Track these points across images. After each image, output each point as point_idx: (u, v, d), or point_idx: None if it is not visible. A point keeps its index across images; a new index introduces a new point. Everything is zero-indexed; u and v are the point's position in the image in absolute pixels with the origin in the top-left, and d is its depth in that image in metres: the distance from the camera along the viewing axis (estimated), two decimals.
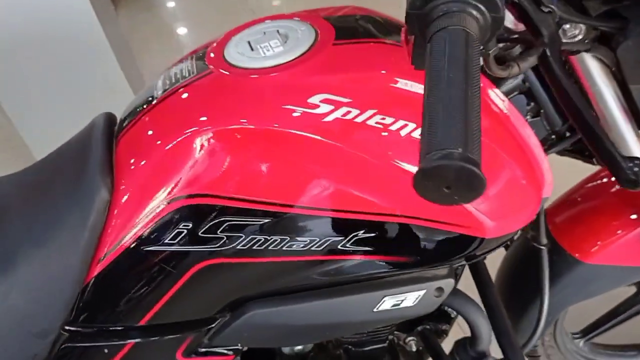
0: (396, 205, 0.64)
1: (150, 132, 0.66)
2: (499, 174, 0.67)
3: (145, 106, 0.69)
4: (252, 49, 0.67)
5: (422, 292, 0.76)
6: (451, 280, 0.77)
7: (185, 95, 0.66)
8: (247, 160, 0.62)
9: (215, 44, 0.71)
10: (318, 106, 0.60)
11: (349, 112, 0.60)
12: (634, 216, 0.91)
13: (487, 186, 0.65)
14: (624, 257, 0.92)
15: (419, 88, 0.62)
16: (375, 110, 0.60)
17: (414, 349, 0.99)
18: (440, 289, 0.77)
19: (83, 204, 0.64)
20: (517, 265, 1.00)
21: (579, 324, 1.26)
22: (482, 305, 0.90)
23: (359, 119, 0.60)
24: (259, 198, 0.63)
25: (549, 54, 0.61)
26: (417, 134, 0.61)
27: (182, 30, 3.55)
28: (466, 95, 0.38)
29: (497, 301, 0.81)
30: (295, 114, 0.60)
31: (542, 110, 0.76)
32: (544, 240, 0.83)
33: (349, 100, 0.60)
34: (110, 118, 0.74)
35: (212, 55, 0.68)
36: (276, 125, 0.61)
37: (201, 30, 3.45)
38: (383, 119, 0.61)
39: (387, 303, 0.75)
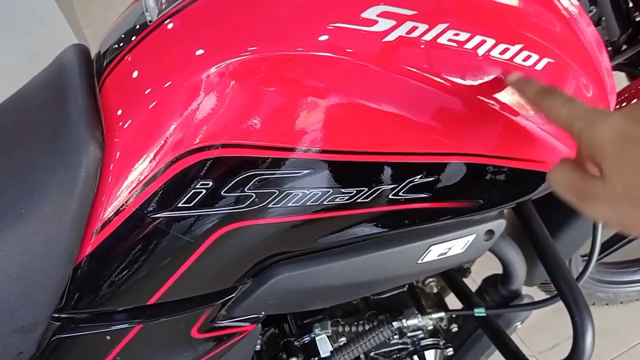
0: (466, 142, 0.53)
1: (147, 70, 0.50)
2: (573, 89, 0.56)
3: (134, 35, 0.52)
4: None
5: (471, 237, 0.66)
6: (502, 221, 0.67)
7: (191, 18, 0.50)
8: (285, 97, 0.48)
9: None
10: (376, 22, 0.46)
11: (415, 27, 0.47)
12: None
13: None
14: None
15: None
16: (447, 24, 0.47)
17: (435, 290, 0.92)
18: (490, 232, 0.68)
19: (68, 164, 0.49)
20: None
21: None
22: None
23: (428, 37, 0.47)
24: (299, 145, 0.50)
25: None
26: (497, 52, 0.49)
27: None
28: None
29: (548, 239, 0.73)
30: (347, 35, 0.46)
31: (603, 19, 0.65)
32: None
33: (414, 12, 0.47)
34: (83, 52, 0.57)
35: None
36: (321, 51, 0.47)
37: None
38: (457, 34, 0.48)
39: (434, 253, 0.66)
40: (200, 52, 0.48)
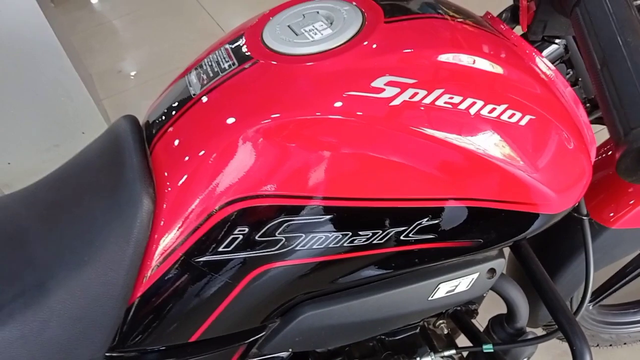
0: (464, 189, 0.61)
1: (193, 134, 0.60)
2: (555, 143, 0.64)
3: (181, 105, 0.62)
4: (296, 34, 0.61)
5: (475, 275, 0.74)
6: (502, 260, 0.75)
7: (229, 91, 0.60)
8: (307, 154, 0.57)
9: (247, 32, 0.65)
10: (383, 90, 0.56)
11: (416, 93, 0.56)
12: None
13: (546, 155, 0.65)
14: None
15: (482, 63, 0.59)
16: (442, 90, 0.57)
17: (445, 331, 0.97)
18: (492, 270, 0.75)
19: (125, 217, 0.58)
20: (547, 236, 0.99)
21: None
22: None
23: (427, 100, 0.57)
24: (321, 194, 0.58)
25: None
26: (485, 111, 0.58)
27: (122, 26, 3.39)
28: None
29: (545, 276, 0.80)
30: (359, 101, 0.56)
31: (579, 79, 0.75)
32: (585, 210, 0.83)
33: (415, 80, 0.56)
34: (134, 121, 0.67)
35: (250, 43, 0.63)
36: (339, 114, 0.56)
37: (143, 24, 3.30)
38: (451, 98, 0.57)
39: (442, 290, 0.73)
40: (231, 120, 0.58)
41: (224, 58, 0.63)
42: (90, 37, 3.22)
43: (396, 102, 0.56)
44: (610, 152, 0.97)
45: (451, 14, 0.66)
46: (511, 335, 0.92)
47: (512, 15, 0.74)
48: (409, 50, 0.58)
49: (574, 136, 0.66)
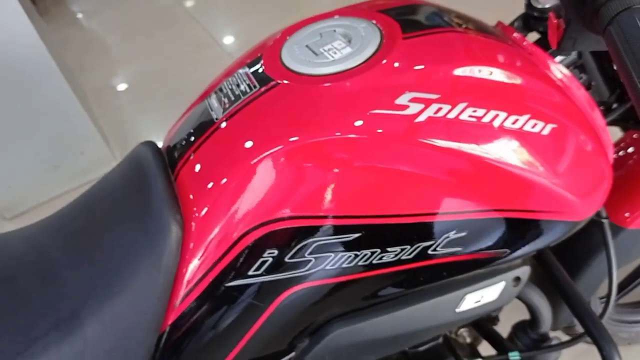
0: (491, 200, 0.61)
1: (217, 160, 0.59)
2: (577, 149, 0.65)
3: (204, 130, 0.62)
4: (315, 54, 0.61)
5: (501, 285, 0.74)
6: (527, 268, 0.75)
7: (252, 114, 0.59)
8: (334, 174, 0.57)
9: (265, 53, 0.65)
10: (407, 106, 0.56)
11: (440, 108, 0.56)
12: None
13: (569, 162, 0.65)
14: None
15: (501, 74, 0.59)
16: (466, 103, 0.57)
17: (468, 340, 0.97)
18: (517, 279, 0.75)
19: (154, 244, 0.57)
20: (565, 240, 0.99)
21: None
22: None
23: (452, 115, 0.57)
24: (349, 212, 0.58)
25: None
26: (509, 123, 0.58)
27: (113, 41, 3.38)
28: None
29: (569, 281, 0.80)
30: (384, 119, 0.56)
31: (592, 83, 0.75)
32: (604, 213, 0.83)
33: (438, 95, 0.56)
34: (155, 147, 0.66)
35: (269, 65, 0.62)
36: (364, 133, 0.56)
37: (135, 38, 3.30)
38: (475, 111, 0.57)
39: (469, 301, 0.73)
40: (254, 145, 0.57)
41: (244, 80, 0.63)
42: (81, 54, 3.23)
43: (421, 118, 0.56)
44: (622, 153, 0.97)
45: (465, 26, 0.66)
46: (535, 341, 0.92)
47: (524, 23, 0.75)
48: (431, 66, 0.58)
49: (592, 140, 0.66)
